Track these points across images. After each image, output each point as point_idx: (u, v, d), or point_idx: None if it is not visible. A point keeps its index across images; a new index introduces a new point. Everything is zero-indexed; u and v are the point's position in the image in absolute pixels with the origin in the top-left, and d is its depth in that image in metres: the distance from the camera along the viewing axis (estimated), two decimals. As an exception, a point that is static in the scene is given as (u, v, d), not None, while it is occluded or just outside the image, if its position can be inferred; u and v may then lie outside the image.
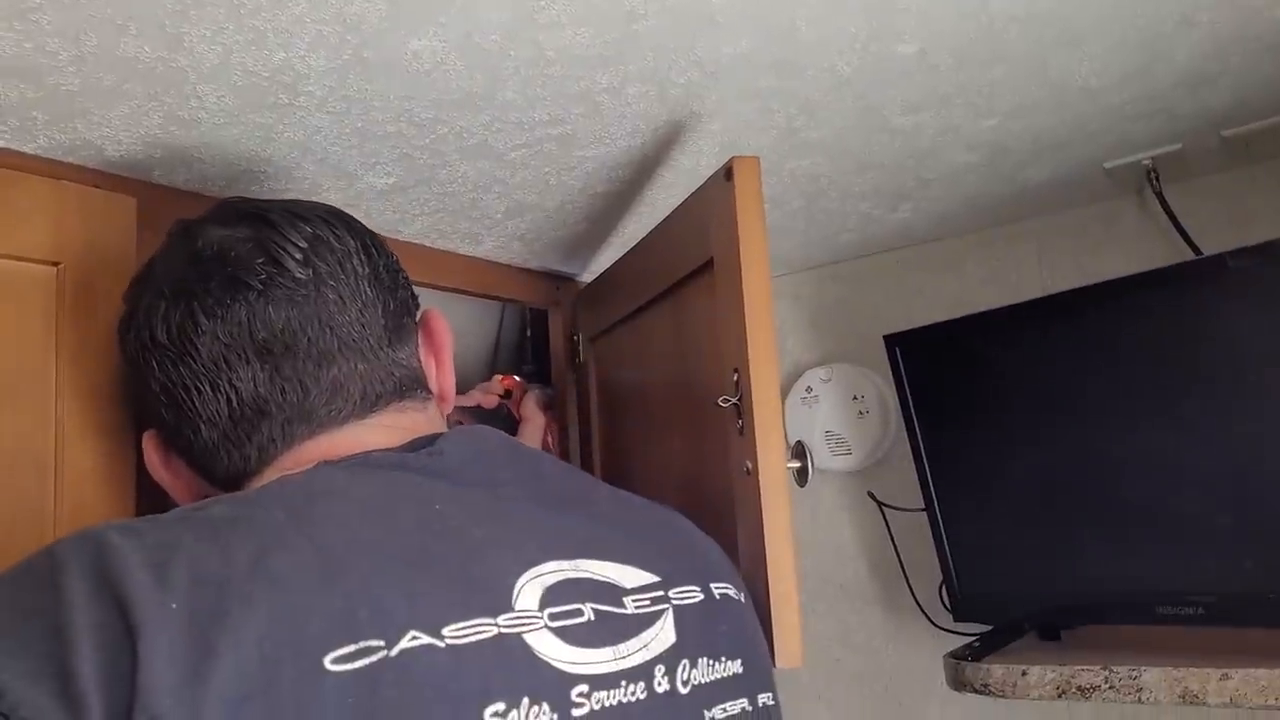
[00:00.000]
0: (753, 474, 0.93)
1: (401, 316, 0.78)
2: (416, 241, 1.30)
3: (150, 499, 0.91)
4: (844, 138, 1.14)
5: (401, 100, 0.92)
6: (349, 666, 0.48)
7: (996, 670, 1.12)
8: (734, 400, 0.96)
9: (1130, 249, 1.47)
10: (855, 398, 1.63)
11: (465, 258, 1.39)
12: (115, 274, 0.94)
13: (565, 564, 0.61)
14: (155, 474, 0.79)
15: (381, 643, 0.49)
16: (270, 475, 0.70)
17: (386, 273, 0.78)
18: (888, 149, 1.18)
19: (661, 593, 0.66)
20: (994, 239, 1.59)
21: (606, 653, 0.60)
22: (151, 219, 0.98)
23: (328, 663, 0.47)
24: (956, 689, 1.19)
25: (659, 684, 0.61)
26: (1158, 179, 1.38)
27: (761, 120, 1.06)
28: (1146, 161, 1.35)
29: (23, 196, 0.90)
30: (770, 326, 0.95)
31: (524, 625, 0.56)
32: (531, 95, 0.94)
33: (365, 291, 0.74)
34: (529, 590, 0.58)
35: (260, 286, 0.71)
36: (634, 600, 0.64)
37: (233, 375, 0.70)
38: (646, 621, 0.63)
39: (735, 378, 0.95)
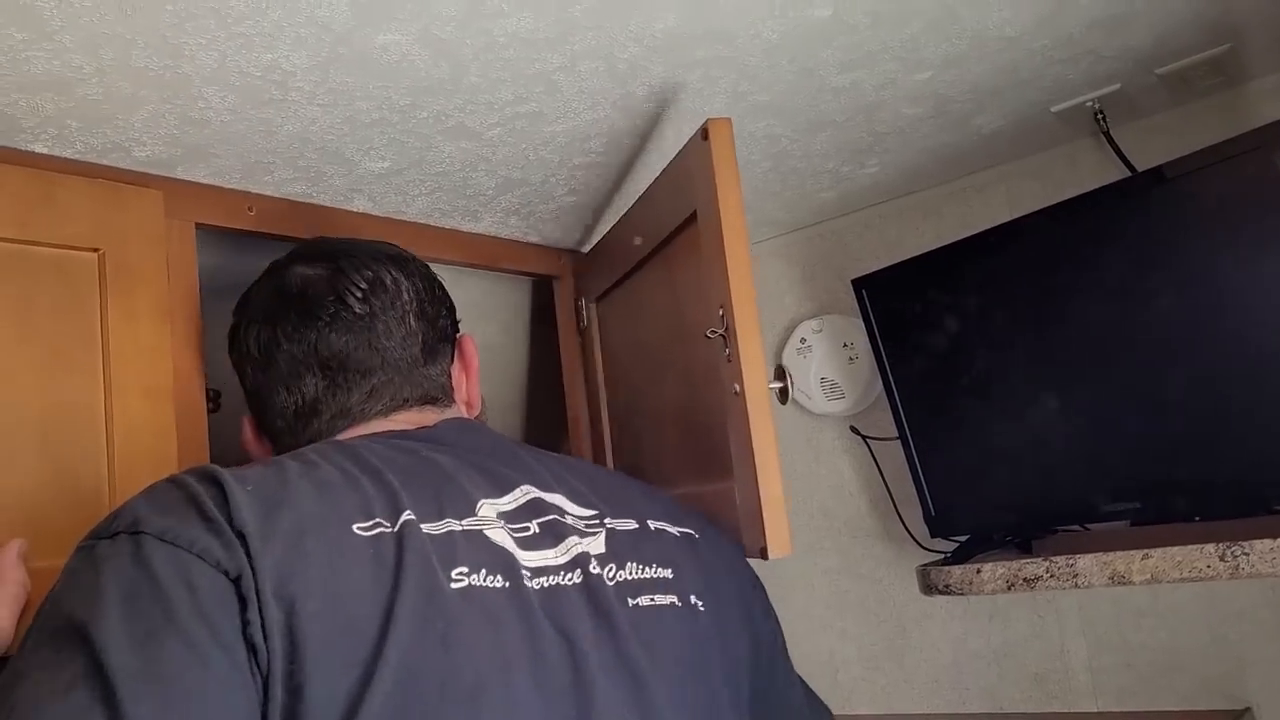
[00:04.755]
0: (740, 394, 1.07)
1: (438, 341, 0.98)
2: (421, 221, 1.45)
3: (189, 443, 1.07)
4: (790, 99, 1.25)
5: (380, 89, 1.06)
6: (367, 533, 0.71)
7: (955, 571, 1.24)
8: (720, 332, 1.10)
9: (1092, 187, 1.56)
10: (845, 345, 1.74)
11: (469, 234, 1.53)
12: (147, 256, 1.11)
13: (518, 493, 0.83)
14: (248, 445, 1.01)
15: (388, 524, 0.72)
16: None
17: (430, 305, 0.99)
18: (834, 107, 1.30)
19: (598, 521, 0.86)
20: (965, 188, 1.69)
21: (549, 552, 0.80)
22: (177, 209, 1.15)
23: (355, 528, 0.71)
24: (925, 592, 1.31)
25: (593, 567, 0.81)
26: (1105, 119, 1.47)
27: (708, 87, 1.19)
28: (1090, 103, 1.44)
29: (67, 195, 1.07)
30: (748, 264, 1.08)
31: (483, 525, 0.78)
32: (494, 78, 1.07)
33: (410, 322, 0.96)
34: (487, 508, 0.80)
35: (328, 319, 0.93)
36: (573, 519, 0.84)
37: (300, 383, 0.92)
38: (583, 532, 0.83)
39: (720, 313, 1.10)
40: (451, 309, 1.03)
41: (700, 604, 0.86)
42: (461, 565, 0.73)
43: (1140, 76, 1.38)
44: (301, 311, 0.93)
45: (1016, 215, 1.61)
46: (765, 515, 1.03)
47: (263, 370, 0.94)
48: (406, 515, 0.73)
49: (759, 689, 0.91)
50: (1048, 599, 1.56)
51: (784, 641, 0.99)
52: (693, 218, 1.15)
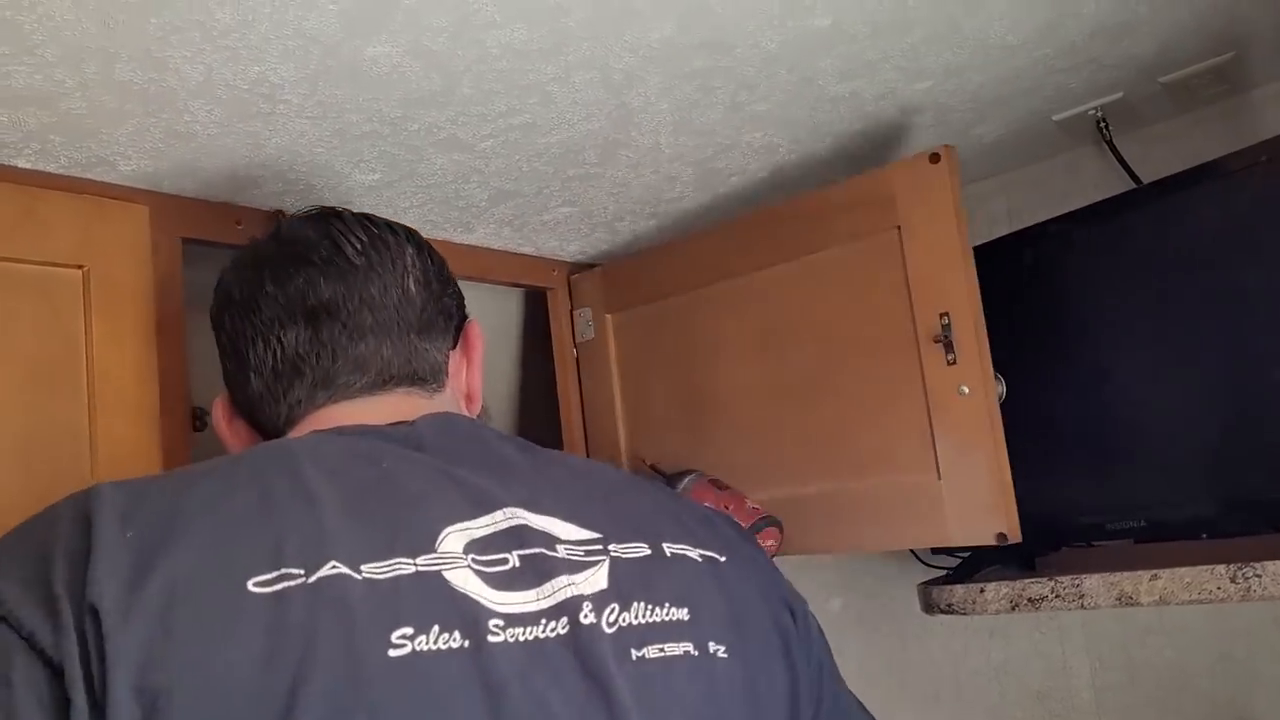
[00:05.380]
0: (971, 395, 1.19)
1: (437, 315, 0.89)
2: (413, 233, 1.42)
3: (173, 463, 1.05)
4: (789, 109, 1.23)
5: (370, 101, 1.03)
6: (268, 590, 0.56)
7: (958, 590, 1.22)
8: (946, 337, 1.21)
9: (1093, 198, 1.54)
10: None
11: (462, 246, 1.51)
12: (132, 272, 1.08)
13: (499, 515, 0.69)
14: (219, 429, 0.90)
15: (301, 571, 0.58)
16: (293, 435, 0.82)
17: (436, 280, 0.90)
18: (834, 116, 1.28)
19: (599, 546, 0.71)
20: (966, 197, 1.66)
21: (529, 594, 0.65)
22: (163, 223, 1.13)
23: (250, 585, 0.56)
24: (927, 611, 1.28)
25: (585, 616, 0.66)
26: (1108, 128, 1.45)
27: (706, 98, 1.16)
28: (1093, 112, 1.42)
29: (50, 210, 1.04)
30: (974, 276, 1.22)
31: (444, 564, 0.63)
32: (487, 89, 1.05)
33: (409, 287, 0.86)
34: (453, 538, 0.65)
35: (319, 263, 0.84)
36: (567, 549, 0.70)
37: (282, 333, 0.82)
38: (577, 567, 0.69)
39: (944, 320, 1.22)
40: (459, 295, 0.94)
41: (721, 649, 0.73)
42: (405, 625, 0.59)
43: (1143, 85, 1.36)
44: (292, 255, 0.85)
45: (1017, 225, 1.60)
46: (1005, 503, 1.15)
47: (242, 317, 0.84)
48: (332, 562, 0.59)
49: None
50: (1050, 615, 1.54)
51: (834, 666, 0.86)
52: (894, 230, 1.28)
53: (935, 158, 1.24)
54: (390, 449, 0.72)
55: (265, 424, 0.85)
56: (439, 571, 0.62)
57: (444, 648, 0.59)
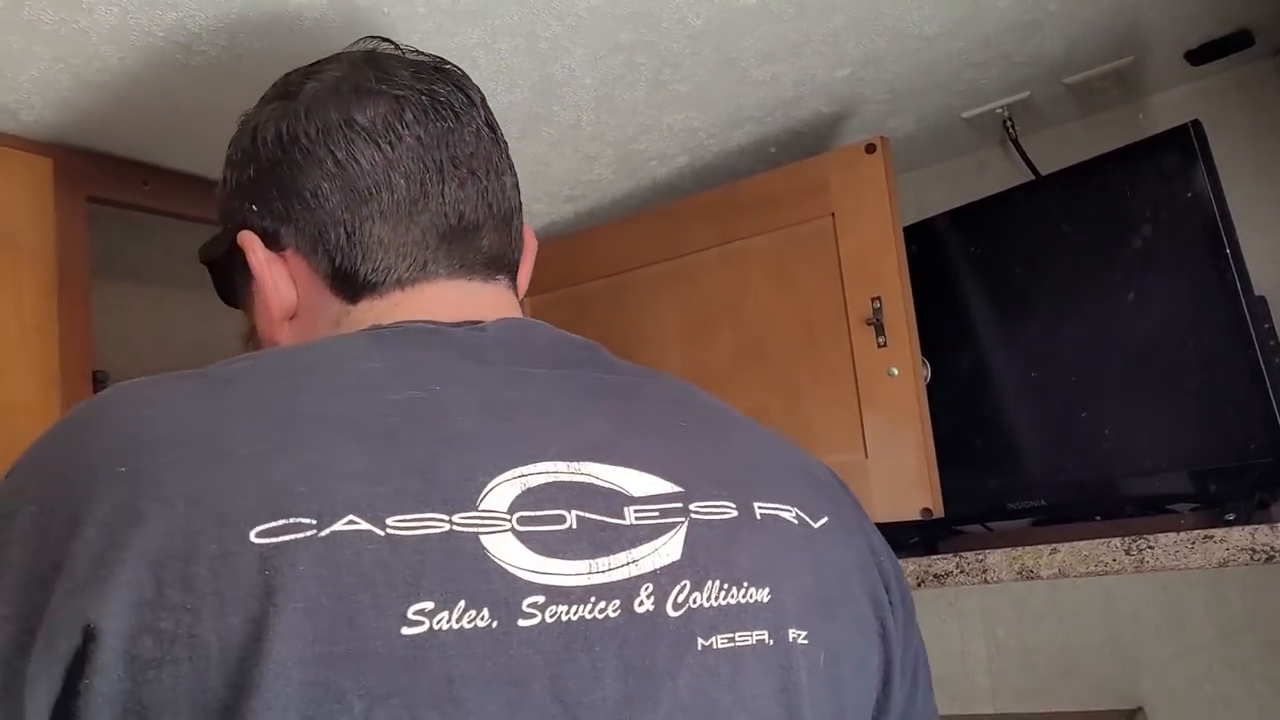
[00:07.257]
0: (900, 376, 1.23)
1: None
2: (327, 205, 1.40)
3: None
4: (709, 91, 1.24)
5: (292, 59, 1.00)
6: (272, 540, 0.47)
7: (865, 569, 1.25)
8: (877, 320, 1.25)
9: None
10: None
11: (376, 222, 1.48)
12: (34, 228, 1.05)
13: (562, 465, 0.57)
14: (258, 270, 0.71)
15: (313, 521, 0.48)
16: (371, 311, 0.69)
17: None
18: (753, 101, 1.29)
19: (679, 505, 0.60)
20: (876, 192, 1.71)
21: (580, 565, 0.55)
22: (68, 178, 1.09)
23: (252, 535, 0.47)
24: (835, 592, 1.31)
25: (640, 604, 0.55)
26: (1014, 127, 1.50)
27: (630, 74, 1.17)
28: (1000, 111, 1.47)
29: (-55, 158, 1.00)
30: (905, 261, 1.26)
31: (483, 526, 0.52)
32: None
33: (511, 166, 0.76)
34: (501, 490, 0.54)
35: (459, 110, 0.71)
36: (638, 510, 0.58)
37: (427, 177, 0.69)
38: (646, 535, 0.58)
39: (877, 304, 1.26)
40: None
41: (802, 636, 0.62)
42: (426, 598, 0.49)
43: (1049, 85, 1.41)
44: (429, 93, 0.70)
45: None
46: (930, 480, 1.19)
47: (371, 145, 0.68)
48: (350, 515, 0.49)
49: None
50: (950, 600, 1.58)
51: (927, 663, 0.74)
52: (825, 218, 1.32)
53: (871, 148, 1.29)
54: (448, 362, 0.61)
55: (363, 276, 0.69)
56: (476, 534, 0.52)
57: (468, 627, 0.50)
